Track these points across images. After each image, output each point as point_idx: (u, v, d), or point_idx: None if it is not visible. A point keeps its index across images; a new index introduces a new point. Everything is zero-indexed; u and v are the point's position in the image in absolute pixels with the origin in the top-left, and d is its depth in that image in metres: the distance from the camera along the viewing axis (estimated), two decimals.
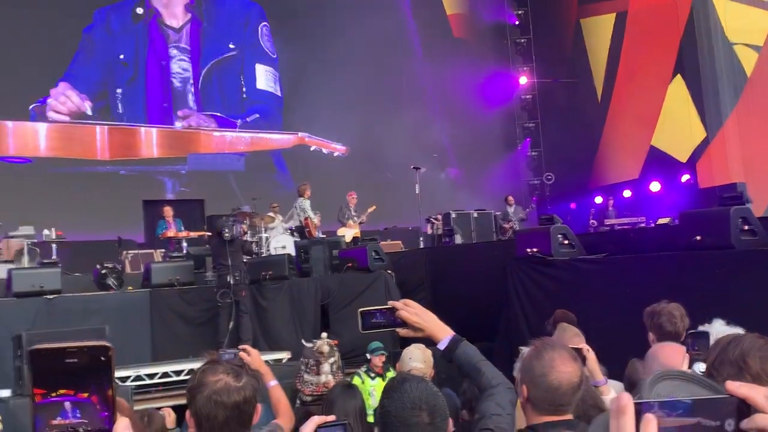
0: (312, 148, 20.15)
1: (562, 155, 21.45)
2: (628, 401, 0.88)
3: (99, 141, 17.84)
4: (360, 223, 14.74)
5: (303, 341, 8.21)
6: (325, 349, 7.62)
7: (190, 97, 19.16)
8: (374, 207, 14.72)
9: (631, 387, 3.71)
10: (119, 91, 18.23)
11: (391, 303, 2.55)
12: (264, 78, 20.01)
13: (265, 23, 20.22)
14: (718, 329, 3.15)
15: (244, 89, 19.78)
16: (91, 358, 1.05)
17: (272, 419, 3.40)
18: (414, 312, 2.53)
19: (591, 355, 3.58)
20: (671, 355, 2.98)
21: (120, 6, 18.69)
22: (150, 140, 18.50)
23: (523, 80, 23.01)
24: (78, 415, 1.04)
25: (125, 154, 18.10)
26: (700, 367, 2.68)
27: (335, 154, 20.38)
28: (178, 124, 18.88)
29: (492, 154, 22.14)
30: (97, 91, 18.11)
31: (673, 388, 0.94)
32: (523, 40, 23.31)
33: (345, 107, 19.01)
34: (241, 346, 3.59)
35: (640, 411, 0.88)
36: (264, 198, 15.21)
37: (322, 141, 20.25)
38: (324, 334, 7.93)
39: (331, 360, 7.65)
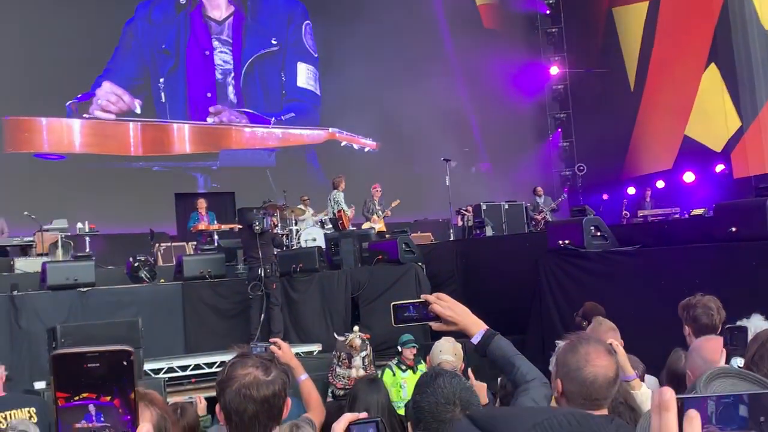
0: (343, 144, 20.21)
1: (594, 146, 21.25)
2: (671, 397, 0.84)
3: (132, 137, 18.07)
4: (384, 217, 14.72)
5: (335, 335, 8.21)
6: (357, 342, 7.60)
7: (231, 90, 19.31)
8: (398, 201, 14.68)
9: (673, 377, 3.62)
10: (162, 80, 18.44)
11: (423, 297, 2.53)
12: (305, 76, 20.17)
13: (308, 22, 20.33)
14: (757, 324, 3.08)
15: (284, 86, 19.92)
16: (112, 362, 1.04)
17: (303, 413, 3.38)
18: (447, 306, 2.50)
19: (620, 350, 3.52)
20: (715, 349, 2.91)
21: None
22: (182, 136, 18.68)
23: (555, 70, 22.81)
24: (101, 418, 1.04)
25: (158, 150, 18.32)
26: (738, 362, 2.62)
27: (366, 149, 20.40)
28: (209, 120, 19.01)
29: (523, 145, 22.00)
30: (137, 85, 18.32)
31: (730, 386, 0.91)
32: (554, 30, 23.10)
33: (376, 102, 19.01)
34: (271, 339, 3.59)
35: (682, 407, 0.84)
36: (295, 191, 15.25)
37: (353, 137, 20.29)
38: (356, 328, 7.91)
39: (363, 353, 7.63)
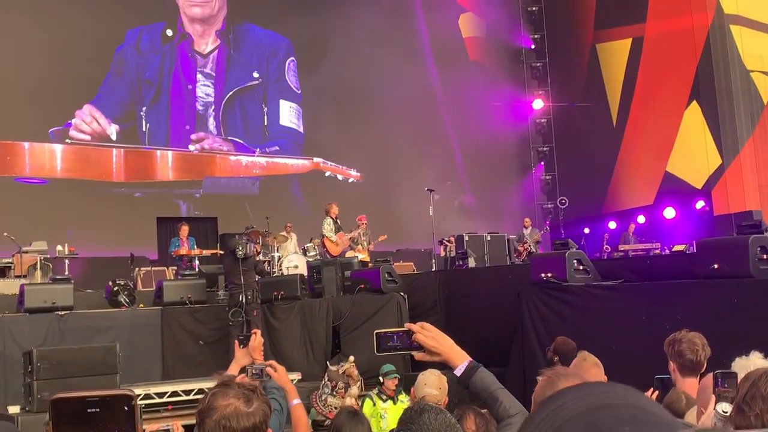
0: (327, 174, 20.23)
1: (576, 179, 21.39)
2: None
3: (115, 164, 17.93)
4: (369, 249, 14.71)
5: (328, 363, 8.15)
6: (355, 372, 7.55)
7: (211, 121, 19.29)
8: (385, 237, 14.69)
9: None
10: (143, 110, 18.43)
11: (407, 326, 2.50)
12: (287, 114, 20.22)
13: (293, 59, 20.37)
14: (756, 362, 3.04)
15: (266, 121, 19.96)
16: (113, 407, 1.01)
17: None
18: (431, 336, 2.48)
19: None
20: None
21: (154, 26, 18.86)
22: (165, 163, 18.61)
23: (539, 104, 23.00)
24: None
25: (140, 176, 18.20)
26: (724, 406, 2.60)
27: (350, 180, 20.42)
28: (191, 147, 19.00)
29: (506, 176, 22.11)
30: (124, 112, 18.28)
31: None
32: (538, 64, 23.34)
33: (360, 133, 19.11)
34: (268, 362, 3.54)
35: None
36: (278, 219, 15.21)
37: (338, 167, 20.34)
38: (351, 357, 7.85)
39: (359, 383, 7.58)
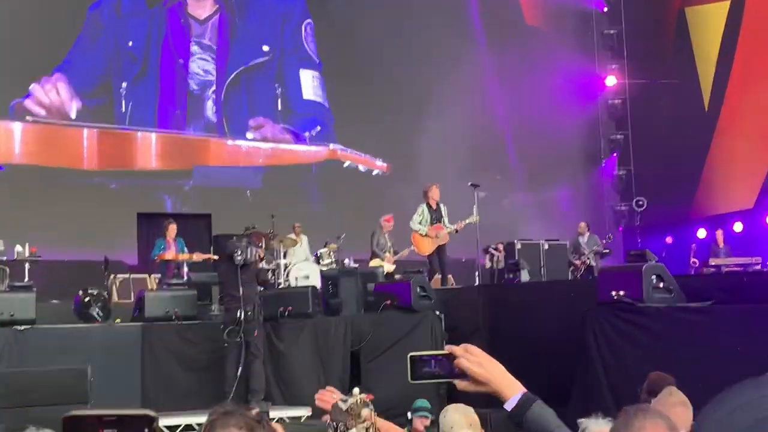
0: (346, 165, 20.19)
1: (657, 176, 21.25)
2: None
3: (87, 147, 17.76)
4: (399, 258, 14.74)
5: (338, 400, 8.17)
6: (364, 411, 7.56)
7: (209, 105, 19.22)
8: (407, 249, 14.79)
9: None
10: (124, 86, 18.34)
11: (449, 348, 2.53)
12: (311, 86, 20.14)
13: (309, 21, 20.28)
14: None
15: (279, 104, 19.89)
16: (132, 428, 1.05)
17: None
18: (477, 361, 2.50)
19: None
20: None
21: None
22: (148, 148, 18.54)
23: (611, 81, 22.90)
24: None
25: (118, 164, 18.16)
26: None
27: (375, 172, 20.43)
28: (249, 135, 19.14)
29: (569, 171, 22.00)
30: (98, 84, 18.27)
31: None
32: (612, 32, 23.24)
33: (388, 115, 19.11)
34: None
35: None
36: (285, 218, 15.30)
37: (359, 156, 20.30)
38: (356, 390, 7.87)
39: (366, 424, 7.58)
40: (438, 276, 14.52)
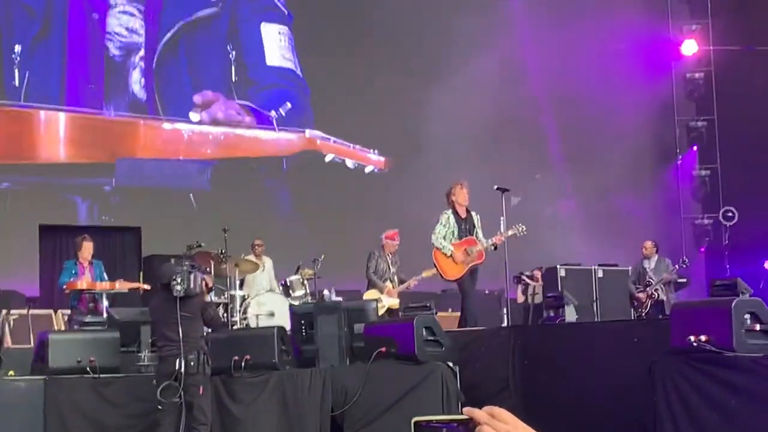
0: (329, 159, 20.24)
1: (751, 178, 21.29)
2: None
3: None
4: (405, 287, 14.71)
5: None
6: None
7: (136, 76, 19.10)
8: (434, 271, 14.68)
9: None
10: (17, 49, 18.17)
11: (468, 411, 2.55)
12: (276, 47, 19.94)
13: None
14: None
15: (234, 68, 19.71)
16: None
17: None
18: (507, 430, 2.52)
19: None
20: None
21: None
22: (53, 133, 18.51)
23: (690, 48, 22.96)
24: None
25: (12, 154, 18.20)
26: None
27: (368, 169, 20.47)
28: (193, 117, 18.97)
29: (632, 171, 22.03)
30: None
31: None
32: None
33: (385, 94, 19.14)
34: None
35: None
36: (241, 231, 15.32)
37: (347, 146, 20.35)
38: None
39: None
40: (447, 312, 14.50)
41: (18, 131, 18.27)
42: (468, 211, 13.87)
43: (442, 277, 13.78)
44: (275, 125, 19.58)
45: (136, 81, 19.10)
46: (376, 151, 20.51)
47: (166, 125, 19.37)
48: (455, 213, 13.77)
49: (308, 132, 20.12)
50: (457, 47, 19.73)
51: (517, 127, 20.22)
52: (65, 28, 18.60)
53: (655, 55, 22.92)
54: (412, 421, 2.54)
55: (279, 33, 20.00)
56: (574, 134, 21.17)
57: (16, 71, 18.14)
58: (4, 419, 10.45)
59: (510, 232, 13.68)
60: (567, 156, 21.48)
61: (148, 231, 18.01)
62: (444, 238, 13.59)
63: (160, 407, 10.36)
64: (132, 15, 19.03)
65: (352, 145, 20.37)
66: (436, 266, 13.75)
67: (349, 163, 20.40)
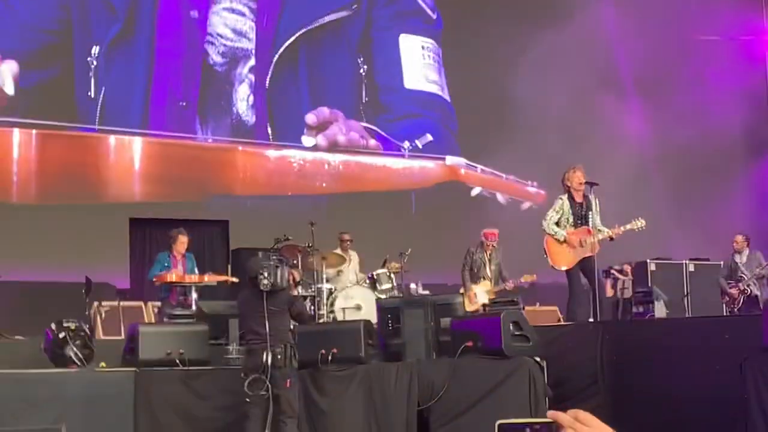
0: (475, 192, 18.48)
1: None
2: None
3: (17, 160, 16.17)
4: (503, 288, 14.63)
5: None
6: None
7: (243, 94, 16.73)
8: (534, 277, 14.62)
9: None
10: (95, 51, 16.15)
11: (552, 415, 2.58)
12: (419, 65, 17.54)
13: None
14: None
15: (365, 86, 17.17)
16: None
17: None
18: None
19: None
20: None
21: None
22: (128, 162, 16.75)
23: None
24: None
25: (70, 190, 16.72)
26: None
27: (525, 205, 18.80)
28: (307, 142, 16.92)
29: (723, 166, 21.82)
30: (42, 47, 16.30)
31: None
32: None
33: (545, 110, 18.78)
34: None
35: None
36: (329, 225, 15.35)
37: (501, 178, 18.64)
38: None
39: None
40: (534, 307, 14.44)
41: (81, 161, 16.33)
42: (584, 196, 13.40)
43: (551, 266, 13.35)
44: (406, 155, 17.32)
45: (243, 98, 16.61)
46: (534, 183, 18.87)
47: (271, 152, 17.08)
48: (571, 198, 13.37)
49: (449, 159, 18.02)
50: (544, 50, 19.56)
51: (605, 121, 20.05)
52: (154, 28, 16.08)
53: (749, 47, 22.67)
54: (496, 424, 2.59)
55: (422, 48, 17.63)
56: (667, 126, 20.95)
57: (92, 81, 16.10)
58: (95, 410, 10.55)
59: (628, 226, 13.31)
60: (656, 146, 21.30)
61: (235, 224, 17.89)
62: (557, 224, 13.24)
63: (248, 400, 10.43)
64: (242, 14, 16.40)
65: (505, 175, 18.59)
66: (545, 252, 13.34)
67: (501, 198, 18.53)
